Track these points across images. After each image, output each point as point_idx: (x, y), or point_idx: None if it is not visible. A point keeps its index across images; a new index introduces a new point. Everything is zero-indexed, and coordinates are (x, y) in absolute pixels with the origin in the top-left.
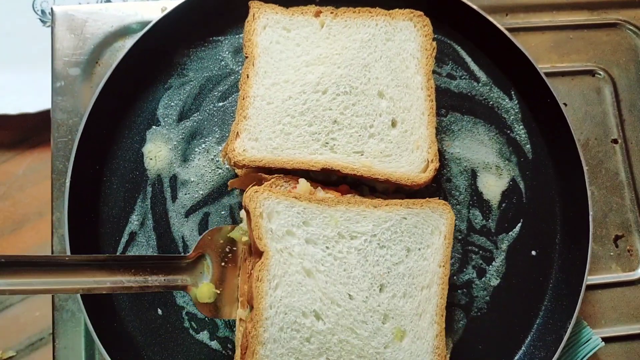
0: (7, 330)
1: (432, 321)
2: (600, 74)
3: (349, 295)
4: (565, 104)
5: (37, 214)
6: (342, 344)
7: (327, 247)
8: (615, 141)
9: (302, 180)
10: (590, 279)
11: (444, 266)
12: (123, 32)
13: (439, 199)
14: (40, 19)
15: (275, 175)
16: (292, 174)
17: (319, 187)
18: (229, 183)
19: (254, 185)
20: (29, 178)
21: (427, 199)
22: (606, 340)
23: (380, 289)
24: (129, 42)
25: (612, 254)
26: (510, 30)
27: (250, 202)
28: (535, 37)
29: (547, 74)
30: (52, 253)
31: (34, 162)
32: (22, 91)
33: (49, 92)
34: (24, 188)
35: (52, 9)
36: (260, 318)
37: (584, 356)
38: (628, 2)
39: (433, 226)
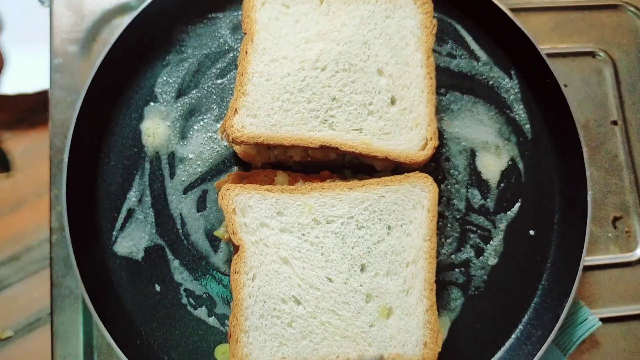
0: (5, 310)
1: (421, 296)
2: (600, 56)
3: (328, 278)
4: (565, 85)
5: (36, 195)
6: (324, 326)
7: (302, 234)
8: (615, 123)
9: (280, 173)
10: (588, 259)
11: (429, 240)
12: (121, 9)
13: (438, 177)
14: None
15: (253, 171)
16: (291, 151)
17: (299, 179)
18: (215, 185)
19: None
20: (28, 159)
21: (406, 174)
22: (603, 320)
23: (361, 269)
24: (127, 19)
25: (610, 235)
26: (512, 10)
27: (222, 200)
28: (536, 18)
29: (548, 55)
30: (50, 230)
31: (32, 143)
32: (20, 72)
33: (47, 73)
34: (23, 169)
35: None
36: (240, 308)
37: (581, 336)
38: None
39: (414, 201)
